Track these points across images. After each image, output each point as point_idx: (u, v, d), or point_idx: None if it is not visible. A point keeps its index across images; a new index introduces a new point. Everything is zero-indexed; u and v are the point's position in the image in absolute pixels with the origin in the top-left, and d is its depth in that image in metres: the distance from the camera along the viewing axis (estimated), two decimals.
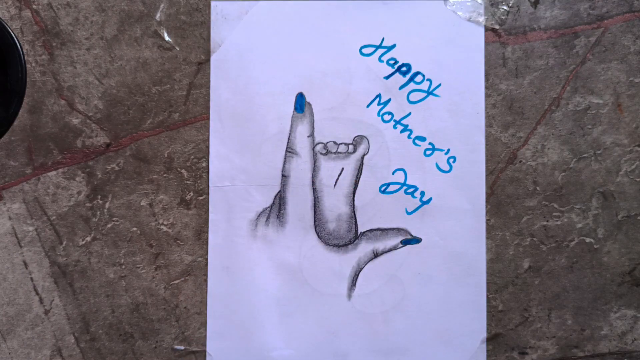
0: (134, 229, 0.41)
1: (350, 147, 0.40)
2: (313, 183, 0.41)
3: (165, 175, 0.41)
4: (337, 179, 0.40)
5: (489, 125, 0.40)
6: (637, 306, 0.40)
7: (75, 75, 0.41)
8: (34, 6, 0.41)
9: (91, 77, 0.41)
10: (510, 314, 0.40)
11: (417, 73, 0.40)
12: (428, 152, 0.40)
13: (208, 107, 0.41)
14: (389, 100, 0.40)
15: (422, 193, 0.40)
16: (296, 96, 0.41)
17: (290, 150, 0.41)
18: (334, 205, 0.40)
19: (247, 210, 0.41)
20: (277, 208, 0.41)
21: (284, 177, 0.41)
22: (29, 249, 0.41)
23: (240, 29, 0.41)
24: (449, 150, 0.40)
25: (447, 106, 0.40)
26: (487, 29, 0.40)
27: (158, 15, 0.41)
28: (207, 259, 0.41)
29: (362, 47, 0.41)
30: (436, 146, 0.40)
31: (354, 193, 0.40)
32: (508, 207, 0.40)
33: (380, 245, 0.40)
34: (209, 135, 0.41)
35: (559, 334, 0.40)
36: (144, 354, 0.41)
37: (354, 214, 0.40)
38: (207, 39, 0.41)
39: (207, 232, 0.41)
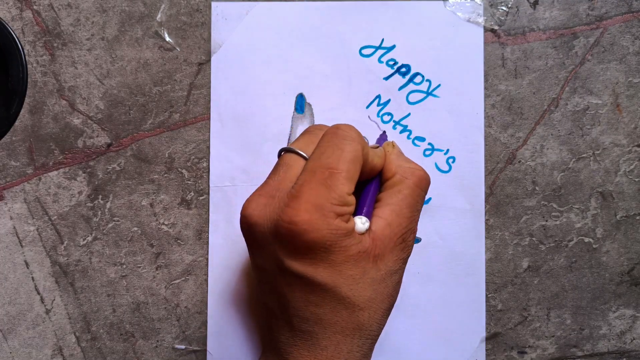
0: (135, 228, 0.41)
1: None
2: None
3: (166, 175, 0.41)
4: None
5: (488, 125, 0.41)
6: (635, 306, 0.40)
7: (76, 75, 0.41)
8: (35, 7, 0.41)
9: (92, 77, 0.41)
10: (509, 314, 0.40)
11: (417, 74, 0.40)
12: (427, 153, 0.41)
13: (208, 108, 0.41)
14: (389, 100, 0.41)
15: None
16: (296, 97, 0.41)
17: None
18: None
19: None
20: None
21: None
22: (30, 248, 0.41)
23: (240, 30, 0.41)
24: (448, 150, 0.40)
25: (447, 107, 0.40)
26: (486, 30, 0.40)
27: (159, 16, 0.41)
28: (207, 259, 0.41)
29: (361, 48, 0.41)
30: (435, 146, 0.41)
31: None
32: (507, 207, 0.41)
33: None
34: (209, 135, 0.41)
35: (558, 334, 0.40)
36: (145, 353, 0.41)
37: None
38: (208, 39, 0.41)
39: (207, 232, 0.41)
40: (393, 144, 0.32)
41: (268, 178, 0.30)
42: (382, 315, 0.29)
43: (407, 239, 0.29)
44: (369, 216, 0.29)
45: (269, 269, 0.29)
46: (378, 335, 0.29)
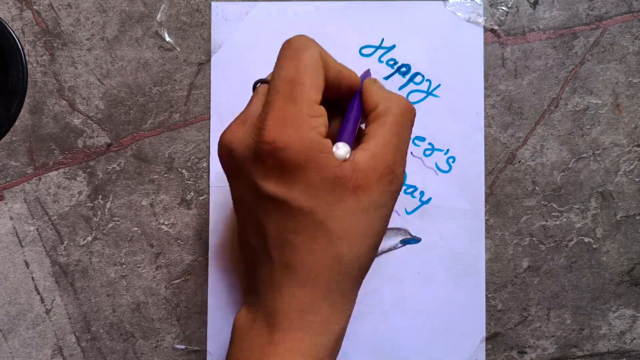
0: (135, 228, 0.41)
1: None
2: None
3: (166, 175, 0.41)
4: None
5: (488, 125, 0.41)
6: (635, 306, 0.40)
7: (76, 75, 0.41)
8: (35, 7, 0.41)
9: (92, 77, 0.41)
10: (509, 314, 0.40)
11: (417, 74, 0.41)
12: (427, 152, 0.41)
13: (208, 108, 0.41)
14: None
15: (422, 193, 0.40)
16: None
17: None
18: None
19: None
20: None
21: None
22: (30, 248, 0.41)
23: (240, 30, 0.41)
24: (448, 150, 0.40)
25: (447, 106, 0.40)
26: (486, 30, 0.40)
27: (159, 16, 0.41)
28: (207, 259, 0.41)
29: (362, 48, 0.41)
30: (436, 146, 0.41)
31: None
32: (507, 207, 0.41)
33: (380, 245, 0.41)
34: (209, 135, 0.41)
35: (558, 334, 0.40)
36: (145, 353, 0.41)
37: None
38: (208, 39, 0.41)
39: (207, 232, 0.41)
40: (375, 80, 0.31)
41: (243, 109, 0.29)
42: (365, 251, 0.27)
43: (395, 171, 0.27)
44: (350, 142, 0.27)
45: (246, 198, 0.28)
46: (361, 277, 0.28)
